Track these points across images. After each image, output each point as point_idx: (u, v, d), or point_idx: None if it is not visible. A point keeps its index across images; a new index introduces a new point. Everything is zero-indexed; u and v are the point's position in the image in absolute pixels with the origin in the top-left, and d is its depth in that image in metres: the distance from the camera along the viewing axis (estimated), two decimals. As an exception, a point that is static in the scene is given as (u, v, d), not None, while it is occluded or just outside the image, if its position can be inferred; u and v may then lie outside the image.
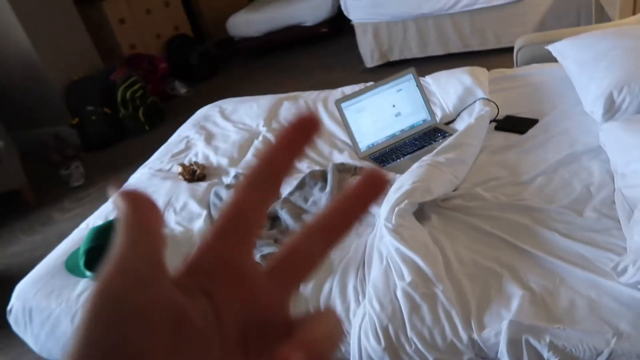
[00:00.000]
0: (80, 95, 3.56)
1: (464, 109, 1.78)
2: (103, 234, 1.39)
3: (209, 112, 2.22)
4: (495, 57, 3.14)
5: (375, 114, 1.78)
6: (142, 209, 0.22)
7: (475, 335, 1.01)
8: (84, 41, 3.83)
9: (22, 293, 1.38)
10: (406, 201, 1.25)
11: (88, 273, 1.35)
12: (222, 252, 0.22)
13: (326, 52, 4.17)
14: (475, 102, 1.76)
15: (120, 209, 0.22)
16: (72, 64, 3.68)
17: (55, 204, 3.01)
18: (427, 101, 1.82)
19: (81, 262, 1.35)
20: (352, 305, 1.13)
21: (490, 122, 1.67)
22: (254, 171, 0.22)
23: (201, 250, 0.22)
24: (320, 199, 1.46)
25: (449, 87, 1.91)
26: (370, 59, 3.49)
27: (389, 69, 3.33)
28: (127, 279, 0.20)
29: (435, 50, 3.38)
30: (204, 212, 1.55)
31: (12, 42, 3.45)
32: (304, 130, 0.22)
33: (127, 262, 0.20)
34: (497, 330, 1.00)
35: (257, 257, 1.20)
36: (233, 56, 4.64)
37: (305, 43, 4.39)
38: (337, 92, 2.13)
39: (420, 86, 1.82)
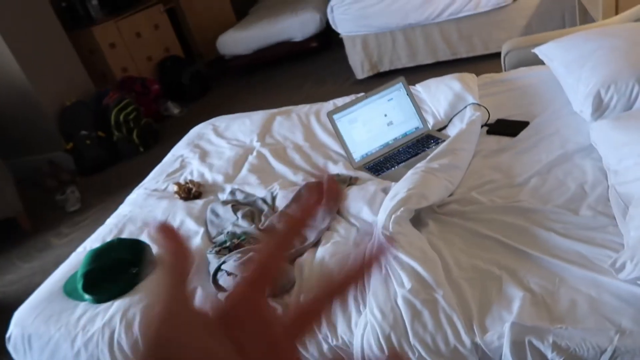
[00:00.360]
0: (73, 120, 3.57)
1: (455, 114, 1.80)
2: (100, 256, 1.38)
3: (202, 130, 2.22)
4: (483, 63, 3.18)
5: (368, 124, 1.79)
6: (179, 251, 0.27)
7: (478, 339, 1.00)
8: (76, 66, 3.85)
9: (20, 319, 1.37)
10: (402, 208, 1.26)
11: (86, 296, 1.33)
12: (250, 300, 0.27)
13: (316, 67, 4.20)
14: (465, 107, 1.78)
15: (159, 244, 0.27)
16: (65, 90, 3.69)
17: (52, 229, 2.99)
18: (418, 109, 1.83)
19: (79, 285, 1.34)
20: (354, 315, 1.12)
21: (482, 126, 1.69)
22: (283, 235, 0.28)
23: (232, 297, 0.27)
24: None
25: (439, 94, 1.93)
26: (360, 70, 3.53)
27: (379, 80, 3.35)
28: (171, 324, 0.24)
29: (424, 59, 3.41)
30: (201, 230, 1.54)
31: (4, 70, 3.47)
32: (327, 201, 0.29)
33: (170, 308, 0.25)
34: (499, 333, 1.00)
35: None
36: (224, 75, 4.67)
37: (295, 58, 4.43)
38: (329, 105, 2.14)
39: (410, 94, 1.83)
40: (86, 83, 3.89)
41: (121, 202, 1.98)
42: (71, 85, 3.76)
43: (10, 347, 1.36)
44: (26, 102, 3.56)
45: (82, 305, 1.34)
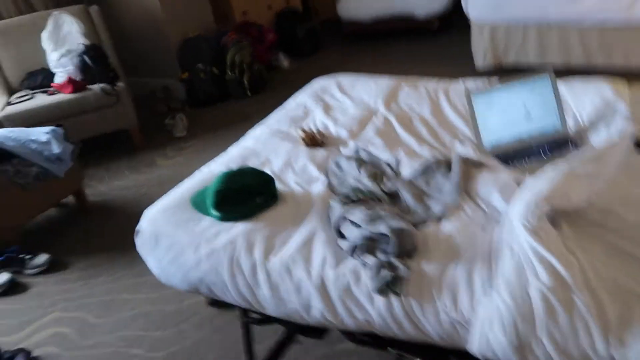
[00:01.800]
0: (192, 52, 3.74)
1: (601, 122, 1.68)
2: (232, 179, 1.45)
3: (326, 84, 2.24)
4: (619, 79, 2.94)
5: (504, 112, 1.72)
6: None
7: (613, 351, 0.96)
8: (203, 2, 4.01)
9: (152, 218, 1.48)
10: (545, 203, 1.20)
11: (214, 212, 1.41)
12: None
13: (432, 48, 4.08)
14: (615, 117, 1.65)
15: None
16: (189, 22, 3.86)
17: (159, 149, 3.20)
18: (560, 108, 1.73)
19: (209, 201, 1.42)
20: (477, 293, 1.10)
21: (635, 143, 1.56)
22: None
23: None
24: (443, 185, 1.43)
25: (584, 97, 1.81)
26: (481, 59, 3.39)
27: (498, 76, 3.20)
28: None
29: (553, 60, 3.21)
30: (322, 177, 1.57)
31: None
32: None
33: None
34: None
35: (387, 230, 1.20)
36: (337, 37, 4.67)
37: (412, 35, 4.33)
38: (458, 83, 2.08)
39: (556, 90, 1.73)
40: (209, 20, 4.05)
41: (224, 137, 2.06)
42: (196, 20, 3.93)
43: (137, 241, 1.48)
44: (155, 28, 3.77)
45: (207, 219, 1.43)
